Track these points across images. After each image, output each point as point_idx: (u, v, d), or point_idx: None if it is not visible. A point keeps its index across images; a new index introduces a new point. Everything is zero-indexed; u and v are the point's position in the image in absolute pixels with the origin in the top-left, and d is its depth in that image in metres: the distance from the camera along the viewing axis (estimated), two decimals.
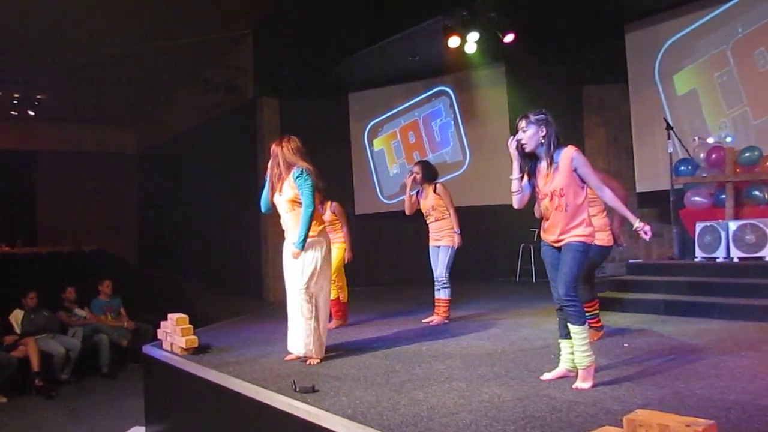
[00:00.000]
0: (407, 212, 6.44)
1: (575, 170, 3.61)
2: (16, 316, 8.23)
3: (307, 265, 4.52)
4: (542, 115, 3.65)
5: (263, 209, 4.89)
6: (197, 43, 11.13)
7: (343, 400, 3.51)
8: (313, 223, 4.57)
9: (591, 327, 4.90)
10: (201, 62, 12.25)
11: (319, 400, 3.50)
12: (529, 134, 3.63)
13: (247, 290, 11.65)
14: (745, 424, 2.81)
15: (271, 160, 4.71)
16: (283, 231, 4.79)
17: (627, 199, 5.27)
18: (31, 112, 13.15)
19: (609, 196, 3.70)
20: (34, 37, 10.24)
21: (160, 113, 15.92)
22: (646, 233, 3.63)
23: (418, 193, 6.38)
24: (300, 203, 4.54)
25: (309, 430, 3.28)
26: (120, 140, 17.61)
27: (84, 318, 8.79)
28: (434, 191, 6.25)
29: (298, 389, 3.71)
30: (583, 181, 3.64)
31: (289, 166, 4.60)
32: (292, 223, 4.61)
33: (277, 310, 8.44)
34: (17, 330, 8.14)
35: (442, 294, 6.23)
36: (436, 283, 6.31)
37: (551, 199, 3.66)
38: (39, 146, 16.06)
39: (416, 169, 6.35)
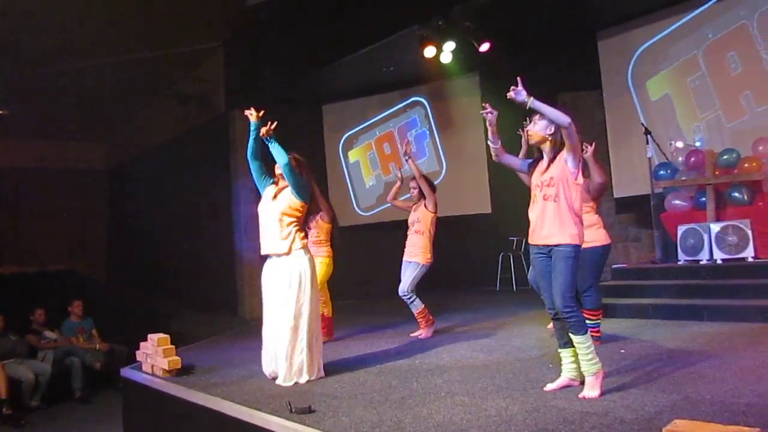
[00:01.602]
0: (389, 198, 6.57)
1: (566, 161, 3.64)
2: None
3: (293, 285, 4.39)
4: None
5: (250, 155, 4.73)
6: (167, 56, 10.94)
7: (344, 420, 3.37)
8: (300, 236, 4.50)
9: (591, 336, 4.86)
10: (171, 76, 12.02)
11: (319, 421, 3.36)
12: (539, 126, 3.75)
13: (221, 308, 11.40)
14: None
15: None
16: (258, 249, 4.67)
17: (606, 185, 5.33)
18: None
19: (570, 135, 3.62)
20: None
21: (129, 128, 15.58)
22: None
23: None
24: (289, 216, 4.47)
25: None
26: (87, 156, 17.11)
27: (54, 341, 8.45)
28: (425, 207, 6.21)
29: (294, 410, 3.56)
30: (579, 174, 3.66)
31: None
32: (275, 231, 4.47)
33: (255, 328, 8.23)
34: None
35: (412, 308, 6.18)
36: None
37: (541, 190, 3.70)
38: (2, 162, 15.47)
39: (414, 184, 6.34)
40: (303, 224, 4.66)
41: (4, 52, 9.94)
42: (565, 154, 3.64)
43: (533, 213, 3.74)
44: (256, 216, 4.78)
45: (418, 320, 6.21)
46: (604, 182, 5.21)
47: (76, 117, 14.18)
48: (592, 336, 4.84)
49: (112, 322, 9.72)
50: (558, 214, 3.60)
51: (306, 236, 4.74)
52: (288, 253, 4.45)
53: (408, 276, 6.15)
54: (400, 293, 6.16)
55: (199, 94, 11.55)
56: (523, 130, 4.25)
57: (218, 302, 11.62)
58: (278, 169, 4.60)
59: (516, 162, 4.06)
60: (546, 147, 3.75)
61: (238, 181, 10.70)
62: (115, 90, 12.44)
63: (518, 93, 3.63)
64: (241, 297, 11.05)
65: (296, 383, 4.35)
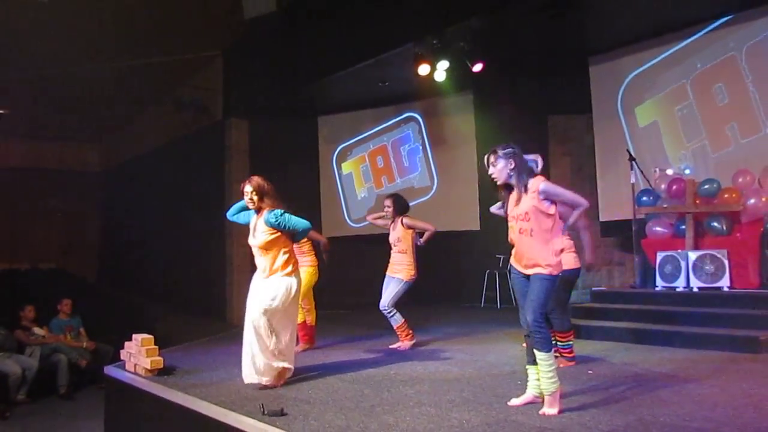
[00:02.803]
0: (368, 217, 6.80)
1: (544, 199, 3.71)
2: None
3: (279, 296, 4.51)
4: (510, 149, 3.78)
5: (229, 216, 4.89)
6: (166, 63, 11.08)
7: (312, 423, 3.50)
8: (290, 260, 4.61)
9: (563, 356, 4.99)
10: (170, 82, 12.16)
11: (289, 424, 3.49)
12: (499, 168, 3.78)
13: (209, 312, 11.49)
14: None
15: (251, 196, 4.67)
16: (251, 254, 4.79)
17: (591, 228, 5.41)
18: None
19: (581, 214, 3.81)
20: None
21: (125, 132, 15.71)
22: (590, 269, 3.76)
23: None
24: (271, 246, 4.58)
25: None
26: (83, 157, 17.27)
27: (42, 337, 8.56)
28: (402, 224, 6.33)
29: (266, 412, 3.68)
30: (553, 205, 3.73)
31: (262, 208, 4.62)
32: (267, 264, 4.61)
33: (241, 333, 8.36)
34: None
35: (393, 323, 6.28)
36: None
37: (517, 223, 3.78)
38: None
39: (388, 203, 6.45)
40: (289, 243, 4.72)
41: (6, 54, 10.08)
42: (548, 195, 3.72)
43: (513, 242, 3.85)
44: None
45: (398, 333, 6.33)
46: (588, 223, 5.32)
47: (74, 119, 14.34)
48: (565, 357, 5.01)
49: (99, 322, 9.83)
50: (535, 247, 3.71)
51: (293, 257, 4.77)
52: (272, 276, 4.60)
53: (390, 291, 6.24)
54: (381, 308, 6.26)
55: (197, 101, 11.71)
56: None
57: (207, 307, 11.71)
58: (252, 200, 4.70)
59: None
60: (512, 180, 3.79)
61: (231, 187, 10.82)
62: (114, 94, 12.54)
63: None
64: (230, 302, 11.14)
65: (260, 383, 4.50)
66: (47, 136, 15.88)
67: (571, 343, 5.14)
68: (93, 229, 17.36)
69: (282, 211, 4.59)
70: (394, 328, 6.30)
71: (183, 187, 12.54)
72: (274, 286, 4.54)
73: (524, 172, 3.77)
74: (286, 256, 4.64)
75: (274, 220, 4.54)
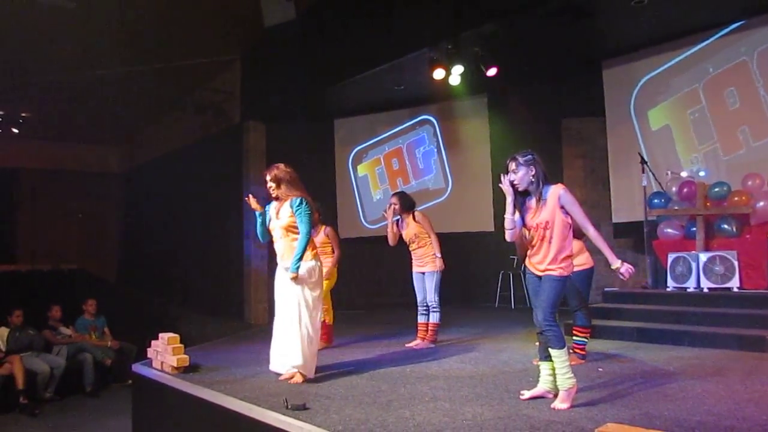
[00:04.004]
0: (391, 243, 6.61)
1: (562, 207, 3.86)
2: (2, 334, 8.26)
3: (306, 280, 4.71)
4: (530, 156, 3.92)
5: (262, 240, 5.07)
6: (186, 67, 11.29)
7: (333, 417, 3.69)
8: (308, 247, 4.78)
9: (575, 352, 5.14)
10: (189, 85, 12.36)
11: (311, 418, 3.68)
12: (520, 175, 3.89)
13: (228, 312, 11.70)
14: None
15: (270, 184, 4.88)
16: (269, 255, 5.00)
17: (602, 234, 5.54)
18: (15, 130, 13.13)
19: (593, 234, 3.95)
20: (21, 56, 10.29)
21: (145, 134, 15.97)
22: (625, 274, 3.87)
23: (398, 222, 6.60)
24: (294, 230, 4.75)
25: None
26: (104, 160, 17.55)
27: (69, 336, 8.83)
28: (414, 219, 6.48)
29: (289, 407, 3.88)
30: (569, 216, 3.88)
31: (289, 194, 4.81)
32: (285, 250, 4.81)
33: (260, 332, 8.58)
34: (2, 347, 8.17)
35: (432, 318, 6.41)
36: (420, 308, 6.53)
37: (537, 231, 3.91)
38: (21, 164, 15.98)
39: (393, 200, 6.58)
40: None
41: (29, 58, 10.33)
42: (564, 203, 3.85)
43: (533, 251, 3.96)
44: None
45: (428, 330, 6.42)
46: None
47: (95, 122, 14.55)
48: (576, 353, 5.16)
49: (121, 322, 10.09)
50: (551, 252, 3.86)
51: (313, 243, 4.98)
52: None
53: (429, 287, 6.38)
54: (428, 303, 6.40)
55: (215, 104, 11.94)
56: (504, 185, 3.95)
57: (225, 307, 11.92)
58: (272, 188, 4.90)
59: (520, 225, 4.02)
60: (532, 187, 3.91)
61: (248, 189, 11.00)
62: (135, 98, 12.77)
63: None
64: (248, 303, 11.34)
65: (292, 378, 4.72)
66: (68, 138, 16.16)
67: (586, 340, 5.28)
68: (113, 231, 17.67)
69: (301, 199, 4.79)
70: (432, 324, 6.41)
71: (202, 189, 12.75)
72: (300, 271, 4.72)
73: (543, 179, 3.90)
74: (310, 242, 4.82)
75: (295, 205, 4.76)
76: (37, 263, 14.82)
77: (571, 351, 5.19)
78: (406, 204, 6.57)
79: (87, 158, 17.14)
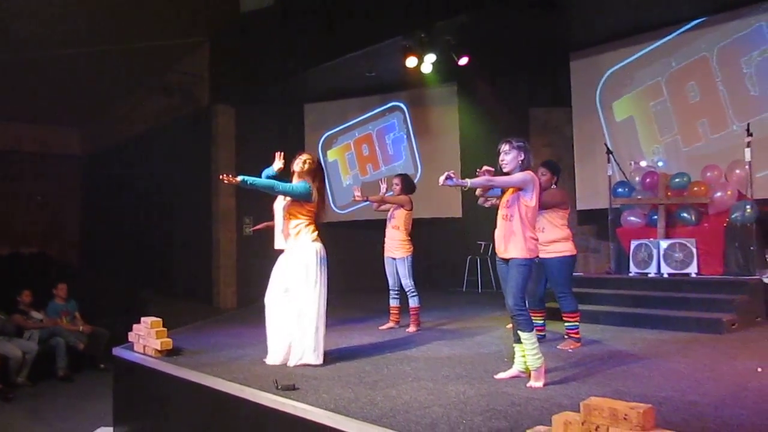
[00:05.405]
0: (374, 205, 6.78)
1: (522, 189, 4.06)
2: None
3: (310, 264, 4.81)
4: (522, 143, 4.14)
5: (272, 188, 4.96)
6: (152, 48, 11.11)
7: (324, 396, 3.85)
8: (311, 228, 4.91)
9: (571, 337, 5.36)
10: (157, 67, 12.18)
11: (302, 397, 3.83)
12: (511, 157, 4.10)
13: (195, 296, 11.70)
14: (675, 413, 3.33)
15: (300, 165, 5.01)
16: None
17: (570, 216, 5.78)
18: None
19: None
20: None
21: (109, 115, 15.63)
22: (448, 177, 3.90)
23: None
24: (295, 213, 4.88)
25: (296, 424, 3.60)
26: (64, 141, 17.16)
27: (40, 321, 8.75)
28: (408, 209, 6.61)
29: (280, 387, 4.02)
30: (534, 197, 4.06)
31: (300, 177, 4.96)
32: (284, 227, 4.92)
33: (235, 317, 8.68)
34: None
35: (411, 302, 6.55)
36: (392, 292, 6.72)
37: (500, 209, 4.17)
38: None
39: (396, 180, 6.72)
40: (314, 218, 4.97)
41: None
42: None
43: (497, 229, 4.19)
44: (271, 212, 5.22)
45: (412, 315, 6.55)
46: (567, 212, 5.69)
47: (54, 102, 14.12)
48: (571, 338, 5.37)
49: (86, 306, 9.93)
50: (513, 231, 4.06)
51: (317, 230, 5.02)
52: (296, 245, 4.86)
53: (402, 273, 6.53)
54: (405, 288, 6.55)
55: (184, 87, 11.84)
56: (478, 172, 4.16)
57: (193, 291, 11.93)
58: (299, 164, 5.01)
59: (496, 190, 4.30)
60: (516, 171, 4.10)
61: (217, 173, 11.02)
62: (98, 78, 12.48)
63: (450, 180, 3.89)
64: (217, 287, 11.39)
65: (304, 365, 4.77)
66: (26, 118, 15.66)
67: (577, 324, 5.42)
68: (75, 214, 17.35)
69: (310, 186, 4.91)
70: (413, 308, 6.53)
71: (169, 172, 12.66)
72: (302, 254, 4.82)
73: (527, 167, 4.11)
74: (305, 223, 4.90)
75: (302, 184, 4.90)
76: None
77: (565, 337, 5.45)
78: (408, 187, 6.72)
79: (46, 139, 16.71)
